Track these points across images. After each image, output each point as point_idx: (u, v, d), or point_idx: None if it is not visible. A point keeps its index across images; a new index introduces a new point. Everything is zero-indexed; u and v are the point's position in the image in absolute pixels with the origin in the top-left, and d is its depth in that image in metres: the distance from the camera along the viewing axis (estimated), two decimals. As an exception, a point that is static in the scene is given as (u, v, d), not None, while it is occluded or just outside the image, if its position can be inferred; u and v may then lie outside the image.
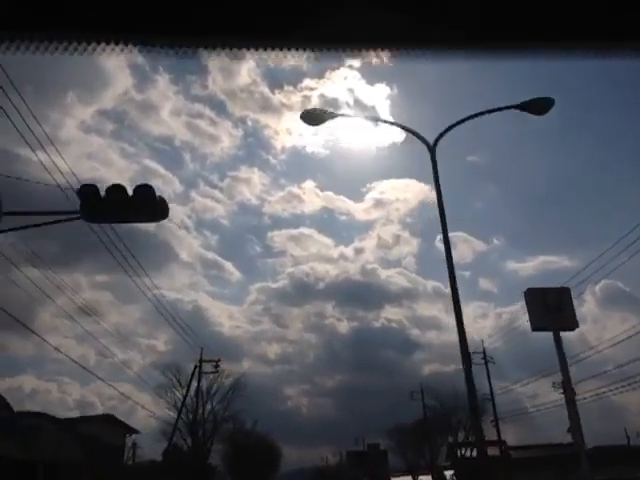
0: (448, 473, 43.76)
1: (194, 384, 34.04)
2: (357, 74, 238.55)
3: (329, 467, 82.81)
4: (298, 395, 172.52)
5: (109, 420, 31.09)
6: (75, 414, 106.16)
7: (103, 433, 28.70)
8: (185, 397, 34.23)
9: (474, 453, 36.91)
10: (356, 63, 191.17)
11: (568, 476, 27.20)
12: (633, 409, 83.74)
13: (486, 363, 36.31)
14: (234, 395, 42.12)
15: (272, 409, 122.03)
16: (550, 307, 13.79)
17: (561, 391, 16.70)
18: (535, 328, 14.27)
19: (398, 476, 56.94)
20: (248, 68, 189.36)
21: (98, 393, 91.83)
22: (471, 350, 10.82)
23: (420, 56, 1.19)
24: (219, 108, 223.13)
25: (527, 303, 14.23)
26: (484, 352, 36.84)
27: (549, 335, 14.27)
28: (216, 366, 33.87)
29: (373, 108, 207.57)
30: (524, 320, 23.22)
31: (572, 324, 14.20)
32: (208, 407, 40.74)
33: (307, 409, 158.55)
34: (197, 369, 32.15)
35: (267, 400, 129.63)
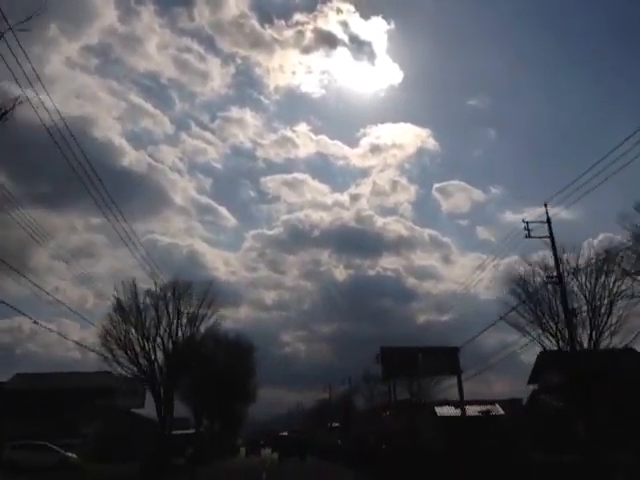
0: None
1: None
2: (351, 7, 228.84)
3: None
4: (295, 341, 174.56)
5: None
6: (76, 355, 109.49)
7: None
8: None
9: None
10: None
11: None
12: None
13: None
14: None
15: (271, 354, 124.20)
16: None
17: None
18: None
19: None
20: None
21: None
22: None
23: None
24: (207, 43, 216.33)
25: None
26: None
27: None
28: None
29: (370, 44, 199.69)
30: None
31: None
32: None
33: (305, 354, 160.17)
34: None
35: (265, 346, 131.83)
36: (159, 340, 34.45)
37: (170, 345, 34.70)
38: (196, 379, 41.39)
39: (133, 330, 33.57)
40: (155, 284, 33.99)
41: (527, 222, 22.50)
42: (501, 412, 37.42)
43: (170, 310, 35.03)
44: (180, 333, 35.43)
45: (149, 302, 34.64)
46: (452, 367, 27.19)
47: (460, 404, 32.00)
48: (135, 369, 33.58)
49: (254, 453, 72.94)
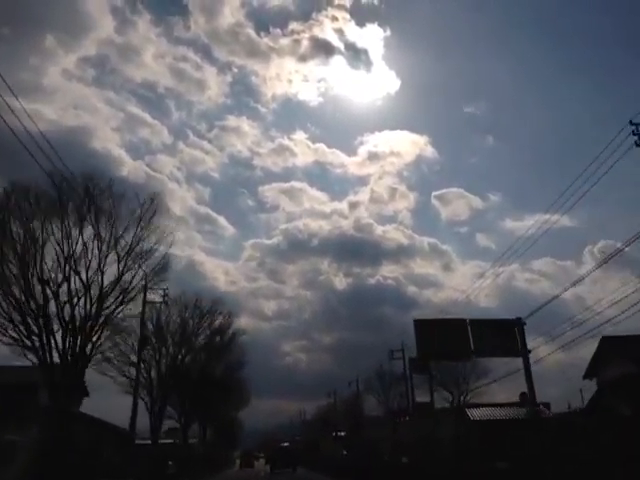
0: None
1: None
2: (346, 15, 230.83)
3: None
4: (296, 351, 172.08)
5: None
6: None
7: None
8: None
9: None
10: (344, 1, 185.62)
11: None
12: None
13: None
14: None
15: (272, 364, 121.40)
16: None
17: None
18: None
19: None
20: (231, 7, 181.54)
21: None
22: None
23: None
24: (204, 52, 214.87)
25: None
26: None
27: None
28: (164, 295, 28.49)
29: (366, 52, 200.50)
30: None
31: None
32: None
33: (306, 364, 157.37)
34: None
35: (266, 356, 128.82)
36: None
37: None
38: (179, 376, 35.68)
39: None
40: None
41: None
42: (549, 414, 31.11)
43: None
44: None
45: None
46: (514, 346, 17.96)
47: (526, 398, 23.93)
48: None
49: (247, 465, 69.84)
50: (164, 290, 27.99)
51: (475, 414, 33.13)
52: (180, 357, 36.37)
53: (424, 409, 36.78)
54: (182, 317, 36.28)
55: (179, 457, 35.74)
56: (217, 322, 39.48)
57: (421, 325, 15.92)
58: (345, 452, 61.94)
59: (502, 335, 16.18)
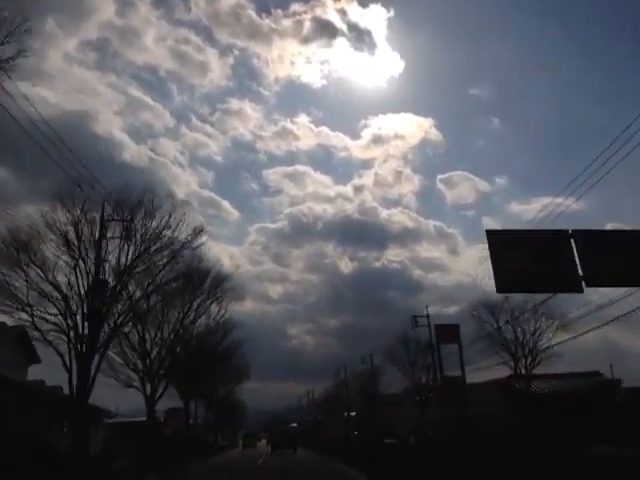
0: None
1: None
2: None
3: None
4: (303, 334, 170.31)
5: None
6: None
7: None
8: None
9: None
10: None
11: None
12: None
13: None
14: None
15: (279, 347, 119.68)
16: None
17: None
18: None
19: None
20: None
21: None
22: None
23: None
24: (205, 34, 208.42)
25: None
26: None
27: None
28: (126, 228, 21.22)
29: (369, 33, 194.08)
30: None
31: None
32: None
33: (312, 347, 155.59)
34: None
35: (272, 339, 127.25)
36: None
37: None
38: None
39: None
40: None
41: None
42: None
43: None
44: None
45: None
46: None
47: None
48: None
49: (250, 446, 70.82)
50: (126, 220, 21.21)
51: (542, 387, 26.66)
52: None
53: (455, 383, 30.42)
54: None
55: (147, 439, 29.14)
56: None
57: (499, 241, 9.29)
58: (356, 433, 56.78)
59: (631, 254, 9.45)
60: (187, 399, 42.79)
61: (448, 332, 31.80)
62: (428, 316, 33.30)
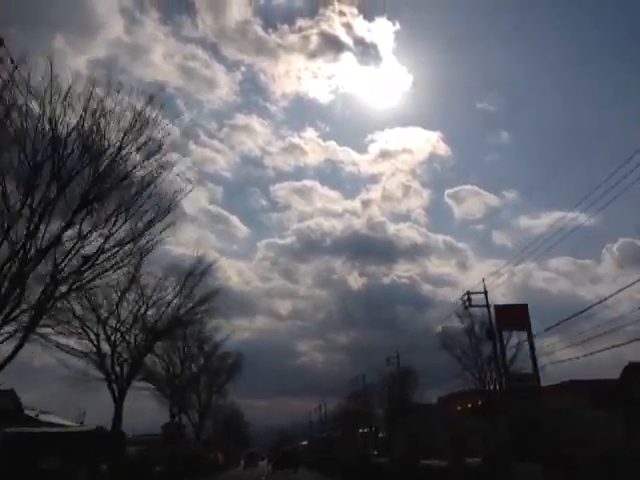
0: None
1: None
2: (353, 9, 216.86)
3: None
4: (312, 350, 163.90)
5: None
6: None
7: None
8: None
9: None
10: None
11: None
12: None
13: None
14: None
15: (288, 364, 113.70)
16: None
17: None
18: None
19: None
20: (238, 4, 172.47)
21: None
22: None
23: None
24: (212, 50, 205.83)
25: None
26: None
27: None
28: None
29: (375, 47, 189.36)
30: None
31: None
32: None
33: (322, 364, 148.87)
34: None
35: (282, 356, 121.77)
36: None
37: None
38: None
39: None
40: None
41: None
42: None
43: None
44: None
45: None
46: None
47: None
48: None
49: (251, 465, 71.01)
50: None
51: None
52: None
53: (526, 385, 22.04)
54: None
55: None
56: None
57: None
58: (376, 452, 48.28)
59: None
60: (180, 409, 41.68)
61: (513, 315, 23.56)
62: (486, 293, 24.76)
